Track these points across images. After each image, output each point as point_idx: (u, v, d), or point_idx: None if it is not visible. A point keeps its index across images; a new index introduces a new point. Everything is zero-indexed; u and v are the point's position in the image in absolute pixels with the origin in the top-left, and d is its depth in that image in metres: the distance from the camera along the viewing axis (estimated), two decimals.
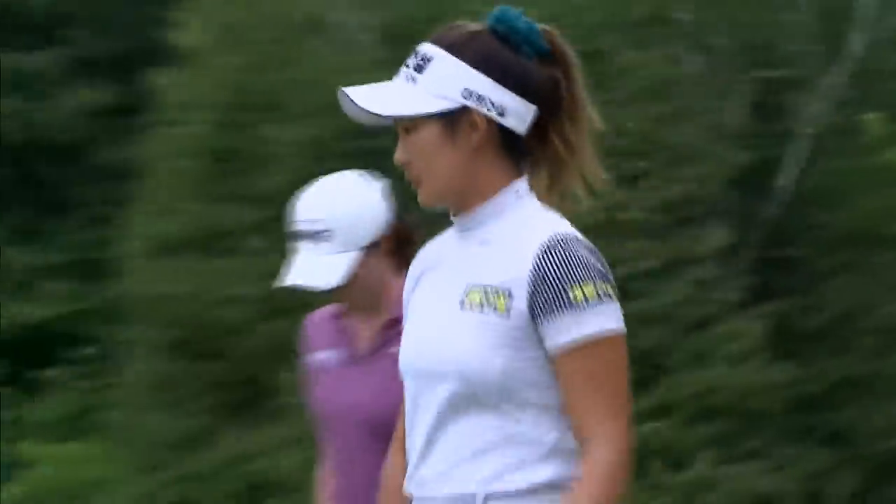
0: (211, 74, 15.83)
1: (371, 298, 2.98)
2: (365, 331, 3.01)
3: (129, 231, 14.87)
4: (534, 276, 1.97)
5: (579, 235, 2.02)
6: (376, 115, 2.01)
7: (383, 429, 2.73)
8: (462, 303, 2.04)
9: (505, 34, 2.04)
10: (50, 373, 15.17)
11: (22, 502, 14.03)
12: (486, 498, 2.00)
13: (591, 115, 2.09)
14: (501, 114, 2.02)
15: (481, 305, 2.02)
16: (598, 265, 1.99)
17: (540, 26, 2.08)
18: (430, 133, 2.02)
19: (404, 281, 2.49)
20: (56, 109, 17.42)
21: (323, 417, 3.09)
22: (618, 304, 2.00)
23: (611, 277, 2.01)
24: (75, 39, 17.78)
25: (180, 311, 15.75)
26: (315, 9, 15.01)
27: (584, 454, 1.96)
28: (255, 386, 14.25)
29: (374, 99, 2.04)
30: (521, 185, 2.06)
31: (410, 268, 2.22)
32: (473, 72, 2.01)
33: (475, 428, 2.00)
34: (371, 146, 14.01)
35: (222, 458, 15.58)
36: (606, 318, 1.97)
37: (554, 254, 1.97)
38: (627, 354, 2.01)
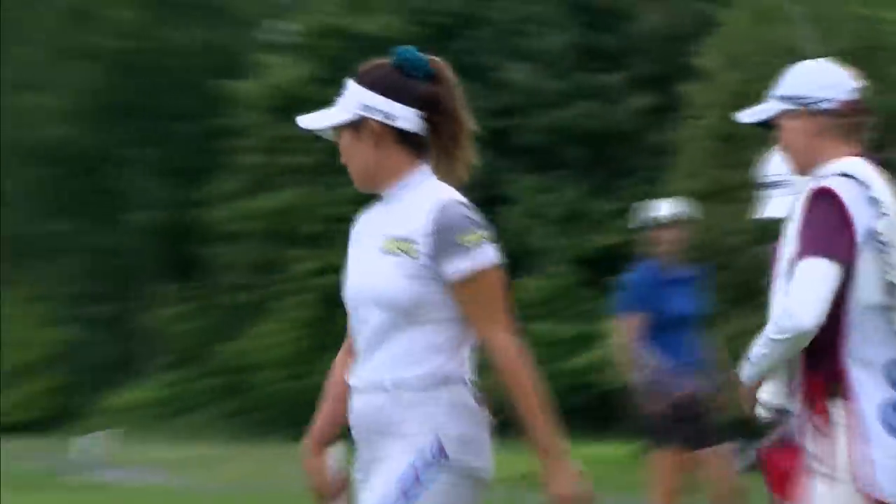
0: (720, 85, 22.03)
1: None
2: None
3: (670, 188, 20.29)
4: (432, 228, 2.61)
5: (461, 199, 2.68)
6: (308, 129, 2.73)
7: None
8: (381, 249, 2.67)
9: (399, 64, 2.70)
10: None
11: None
12: (395, 383, 2.65)
13: (468, 120, 2.74)
14: (391, 119, 2.66)
15: (396, 251, 2.65)
16: (476, 219, 2.65)
17: (429, 58, 2.74)
18: (346, 138, 2.70)
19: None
20: (622, 111, 23.83)
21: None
22: (492, 245, 2.65)
23: (484, 226, 2.65)
24: (631, 64, 24.28)
25: (701, 239, 21.41)
26: (791, 41, 20.60)
27: (488, 349, 2.64)
28: (748, 287, 18.27)
29: (310, 119, 2.74)
30: (424, 167, 2.71)
31: (351, 232, 2.78)
32: (368, 92, 2.67)
33: (399, 341, 2.66)
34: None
35: (733, 331, 20.18)
36: (484, 256, 2.64)
37: (443, 212, 2.61)
38: (502, 278, 2.66)
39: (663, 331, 7.14)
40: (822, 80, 3.03)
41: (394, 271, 2.66)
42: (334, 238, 26.27)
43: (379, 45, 20.80)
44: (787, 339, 2.81)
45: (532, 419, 2.62)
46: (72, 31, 29.45)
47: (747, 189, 6.36)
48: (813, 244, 2.81)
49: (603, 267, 21.86)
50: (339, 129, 2.72)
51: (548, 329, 22.15)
